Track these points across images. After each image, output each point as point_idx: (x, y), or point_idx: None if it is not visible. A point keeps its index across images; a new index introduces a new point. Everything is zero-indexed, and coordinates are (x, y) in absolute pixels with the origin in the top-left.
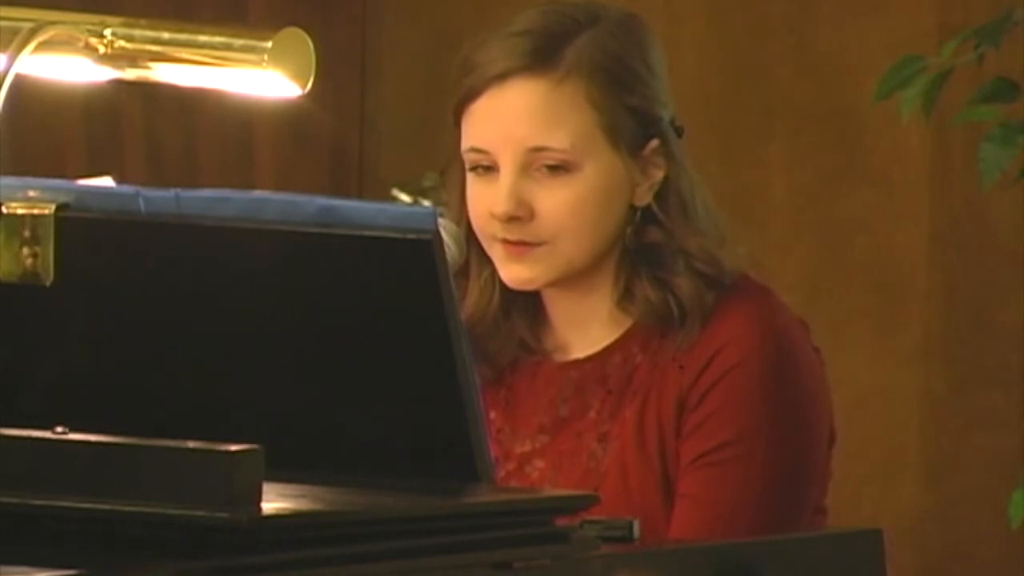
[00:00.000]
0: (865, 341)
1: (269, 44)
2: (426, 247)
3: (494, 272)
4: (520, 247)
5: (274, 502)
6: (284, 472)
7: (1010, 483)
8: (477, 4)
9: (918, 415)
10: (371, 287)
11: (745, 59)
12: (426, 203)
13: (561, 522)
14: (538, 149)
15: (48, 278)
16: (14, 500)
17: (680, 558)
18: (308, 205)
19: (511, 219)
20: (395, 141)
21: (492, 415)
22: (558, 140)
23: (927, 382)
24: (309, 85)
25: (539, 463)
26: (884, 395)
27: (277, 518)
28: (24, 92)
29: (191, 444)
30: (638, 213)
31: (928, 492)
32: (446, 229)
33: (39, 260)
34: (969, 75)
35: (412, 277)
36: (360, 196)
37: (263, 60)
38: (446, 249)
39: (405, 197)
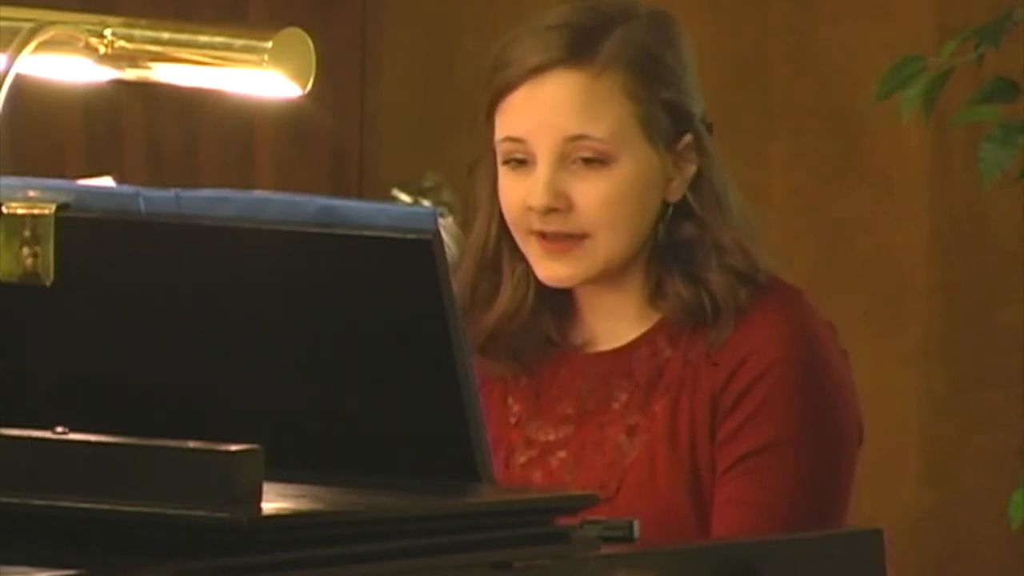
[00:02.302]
0: (865, 341)
1: (269, 44)
2: (426, 247)
3: (528, 268)
4: (558, 244)
5: (274, 502)
6: (284, 472)
7: (1010, 483)
8: (477, 4)
9: (918, 415)
10: (371, 287)
11: (745, 59)
12: (426, 203)
13: (561, 522)
14: (577, 138)
15: (48, 278)
16: (14, 500)
17: (680, 558)
18: (308, 205)
19: (549, 211)
20: (395, 141)
21: (510, 401)
22: (597, 130)
23: (927, 382)
24: (309, 85)
25: (561, 453)
26: (884, 395)
27: (277, 518)
28: (24, 92)
29: (191, 444)
30: (670, 208)
31: (928, 492)
32: (446, 229)
33: (39, 260)
34: (969, 75)
35: (412, 277)
36: (360, 196)
37: (263, 60)
38: (446, 249)
39: (405, 197)
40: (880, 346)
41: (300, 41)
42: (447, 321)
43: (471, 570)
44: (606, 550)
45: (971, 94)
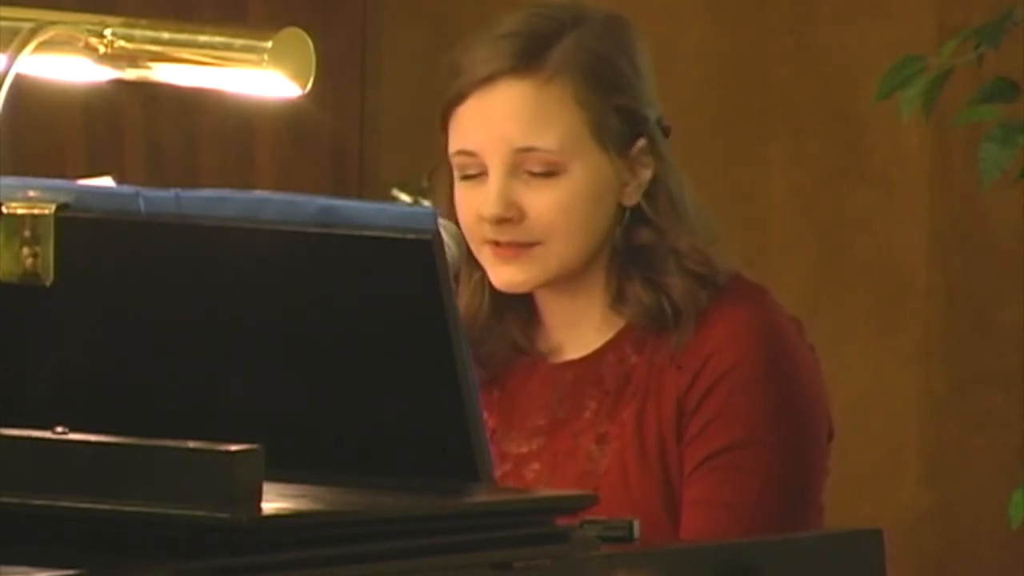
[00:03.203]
0: (865, 341)
1: (269, 44)
2: (426, 247)
3: (484, 275)
4: (510, 249)
5: (274, 502)
6: (284, 472)
7: (1010, 483)
8: (477, 4)
9: (918, 415)
10: (371, 287)
11: (745, 59)
12: (426, 203)
13: (561, 522)
14: (526, 150)
15: (48, 278)
16: (14, 500)
17: (680, 558)
18: (308, 205)
19: (501, 221)
20: (395, 141)
21: (485, 416)
22: (546, 141)
23: (927, 382)
24: (309, 85)
25: (535, 465)
26: (884, 395)
27: (277, 518)
28: (24, 92)
29: (191, 444)
30: (627, 213)
31: (928, 492)
32: (446, 229)
33: (39, 260)
34: (969, 75)
35: (412, 277)
36: (360, 196)
37: (263, 60)
38: (446, 249)
39: (405, 197)
40: (880, 346)
41: (300, 41)
42: (447, 321)
43: (471, 570)
44: (606, 550)
45: (971, 94)
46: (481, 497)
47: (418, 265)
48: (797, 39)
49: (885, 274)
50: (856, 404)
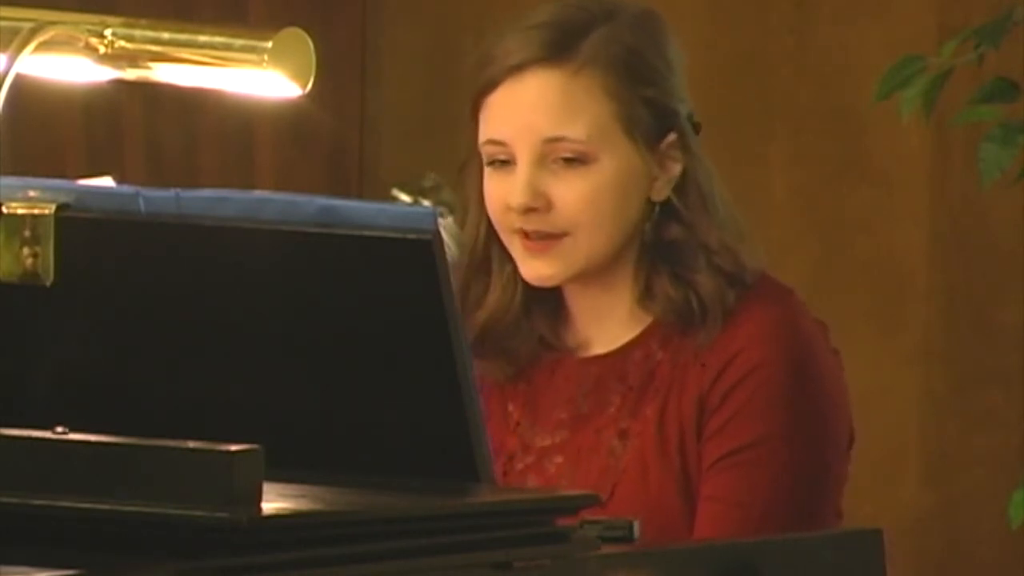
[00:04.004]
0: (865, 341)
1: (269, 44)
2: (426, 247)
3: (515, 268)
4: (540, 243)
5: (274, 502)
6: (284, 472)
7: (1010, 483)
8: (477, 4)
9: (918, 415)
10: (371, 287)
11: (745, 59)
12: (426, 203)
13: (561, 522)
14: (555, 140)
15: (48, 278)
16: (14, 500)
17: (680, 558)
18: (308, 205)
19: (528, 210)
20: (395, 141)
21: (511, 408)
22: (575, 131)
23: (927, 382)
24: (309, 85)
25: (557, 458)
26: (884, 395)
27: (277, 518)
28: (24, 92)
29: (191, 444)
30: (656, 208)
31: (928, 492)
32: (446, 229)
33: (39, 260)
34: (969, 75)
35: (412, 277)
36: (360, 196)
37: (263, 60)
38: (446, 249)
39: (405, 197)
40: (880, 346)
41: (300, 41)
42: (447, 321)
43: (471, 570)
44: (606, 550)
45: (971, 94)
46: (481, 497)
47: (418, 265)
48: (797, 39)
49: (885, 274)
50: (856, 404)
